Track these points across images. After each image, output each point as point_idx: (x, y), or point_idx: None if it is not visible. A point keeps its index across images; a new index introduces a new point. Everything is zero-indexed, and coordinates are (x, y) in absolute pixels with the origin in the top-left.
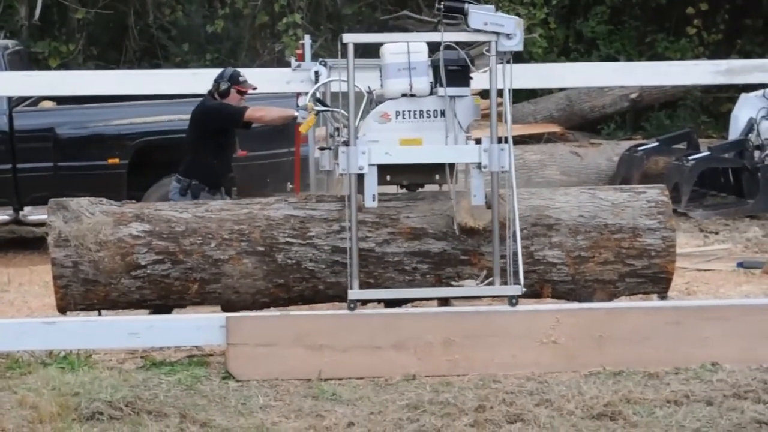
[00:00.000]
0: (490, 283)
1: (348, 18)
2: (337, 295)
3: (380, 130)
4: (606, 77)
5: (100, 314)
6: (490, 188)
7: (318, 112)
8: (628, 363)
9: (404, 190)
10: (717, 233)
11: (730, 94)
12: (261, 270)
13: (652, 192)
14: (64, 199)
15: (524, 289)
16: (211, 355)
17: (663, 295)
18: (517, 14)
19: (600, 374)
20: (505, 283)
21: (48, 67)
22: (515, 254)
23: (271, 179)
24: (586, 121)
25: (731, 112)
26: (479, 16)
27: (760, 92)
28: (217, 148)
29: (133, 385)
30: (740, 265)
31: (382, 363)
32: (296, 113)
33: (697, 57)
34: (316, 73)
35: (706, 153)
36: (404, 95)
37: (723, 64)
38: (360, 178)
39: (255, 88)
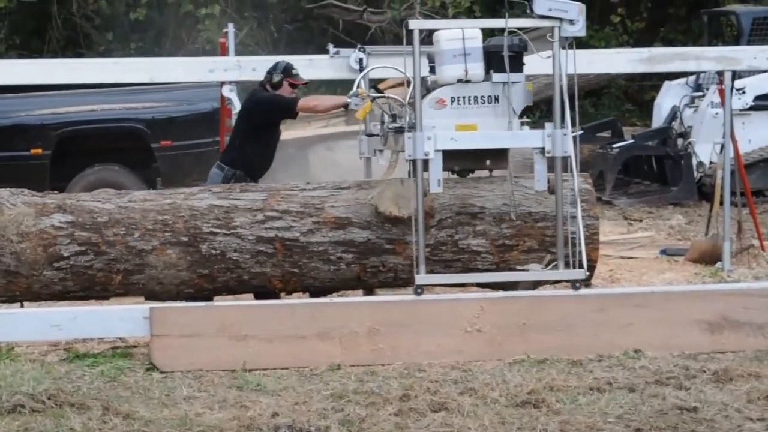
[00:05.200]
0: (555, 267)
1: (272, 6)
2: (261, 285)
3: (436, 116)
4: (531, 66)
5: (22, 306)
6: (554, 173)
7: (374, 99)
8: (552, 351)
9: (455, 176)
10: (641, 221)
11: (653, 82)
12: (185, 260)
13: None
14: None
15: (587, 273)
16: (135, 346)
17: (587, 283)
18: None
19: (524, 362)
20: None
21: None
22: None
23: (195, 169)
24: None
25: (655, 101)
26: (544, 2)
27: (683, 80)
28: (265, 140)
29: (55, 377)
30: (663, 252)
31: (307, 353)
32: (349, 100)
33: (621, 45)
34: (360, 60)
35: (630, 141)
36: (459, 81)
37: (645, 52)
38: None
39: (306, 83)
